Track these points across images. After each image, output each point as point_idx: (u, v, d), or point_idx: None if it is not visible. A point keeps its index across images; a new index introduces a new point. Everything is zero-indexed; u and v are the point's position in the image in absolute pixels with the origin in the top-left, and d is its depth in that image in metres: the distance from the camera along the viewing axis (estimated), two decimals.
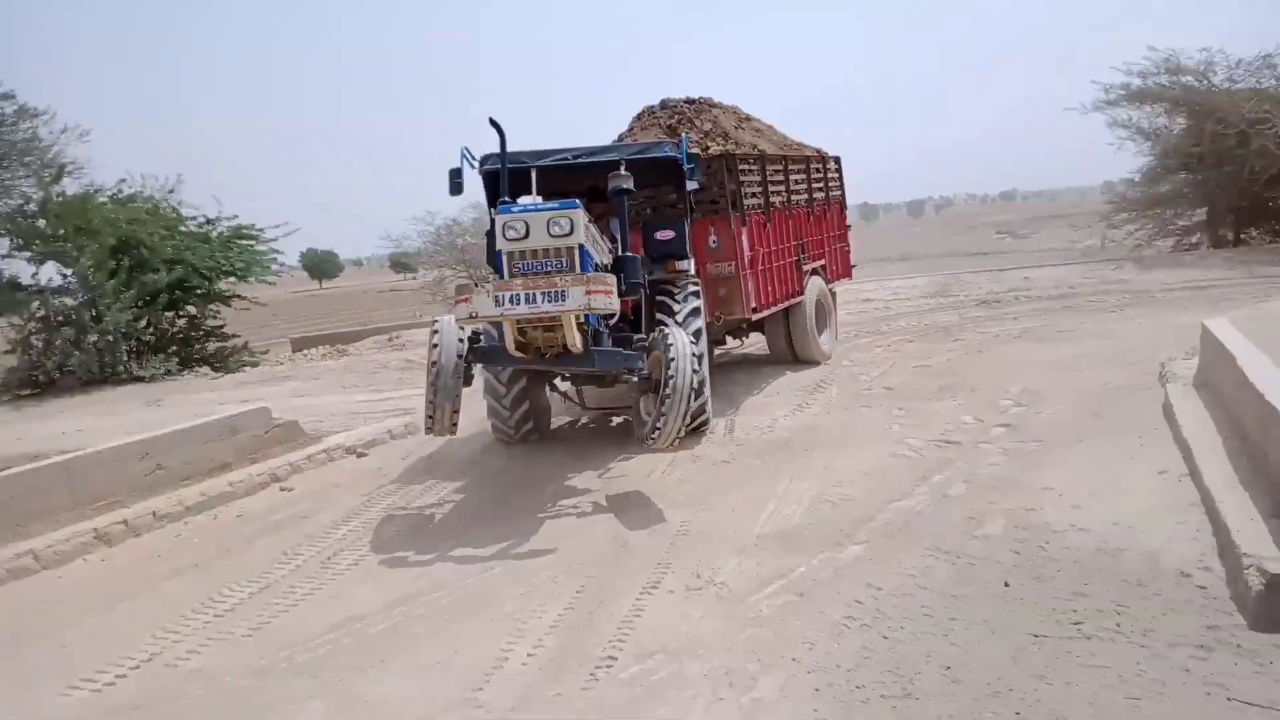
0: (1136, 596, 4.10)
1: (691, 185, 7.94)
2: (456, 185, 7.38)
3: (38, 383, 15.51)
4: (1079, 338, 11.44)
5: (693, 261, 8.42)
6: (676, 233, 8.13)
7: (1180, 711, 3.20)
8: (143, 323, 16.97)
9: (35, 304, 16.83)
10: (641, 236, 8.24)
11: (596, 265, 6.52)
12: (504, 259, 6.05)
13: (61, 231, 16.48)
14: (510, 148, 7.25)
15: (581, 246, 6.01)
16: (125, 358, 15.86)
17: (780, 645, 4.00)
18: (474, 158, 7.44)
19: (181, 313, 17.98)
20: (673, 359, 5.86)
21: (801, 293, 10.60)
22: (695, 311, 7.62)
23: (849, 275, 13.21)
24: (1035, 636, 3.84)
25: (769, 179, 9.95)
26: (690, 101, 10.77)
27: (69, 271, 16.97)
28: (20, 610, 5.43)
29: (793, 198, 10.64)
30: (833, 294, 12.08)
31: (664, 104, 10.76)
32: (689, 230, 8.30)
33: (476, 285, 5.80)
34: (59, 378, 15.40)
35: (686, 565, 5.09)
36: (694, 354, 6.02)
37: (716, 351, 11.88)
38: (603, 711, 3.64)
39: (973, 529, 5.18)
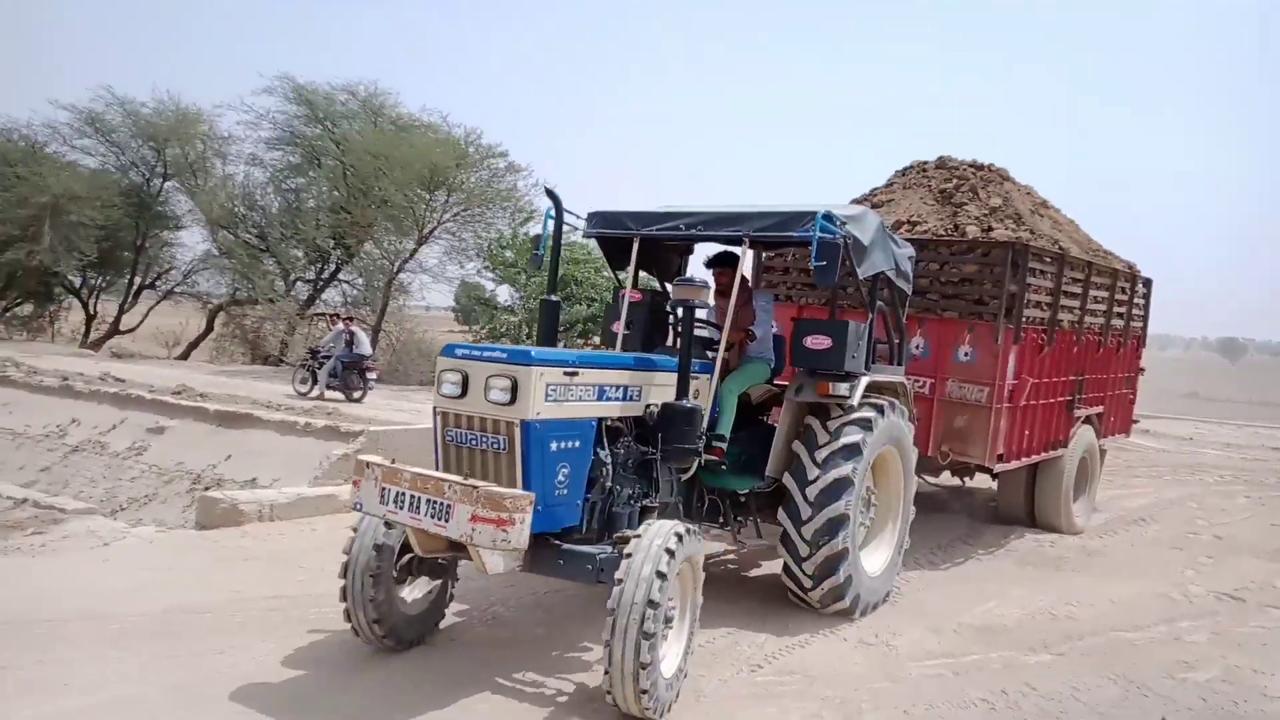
0: None
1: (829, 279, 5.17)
2: (538, 258, 5.79)
3: None
4: None
5: (902, 371, 6.53)
6: (836, 340, 5.70)
7: None
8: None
9: (488, 317, 21.05)
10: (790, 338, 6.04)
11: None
12: (436, 422, 4.45)
13: (518, 264, 20.35)
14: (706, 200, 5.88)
15: (535, 425, 4.20)
16: None
17: (903, 699, 4.41)
18: (575, 217, 5.95)
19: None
20: (621, 573, 3.98)
21: (1065, 444, 8.37)
22: (847, 453, 5.52)
23: (1127, 432, 10.36)
24: None
25: (1063, 288, 7.79)
26: (977, 167, 8.74)
27: (520, 294, 20.91)
28: None
29: (1086, 319, 8.40)
30: (1102, 452, 9.57)
31: (941, 162, 8.86)
32: (866, 334, 5.87)
33: (369, 466, 4.20)
34: None
35: (873, 626, 5.55)
36: (661, 552, 4.00)
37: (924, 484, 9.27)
38: (728, 692, 4.38)
39: (1177, 670, 5.00)
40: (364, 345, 16.04)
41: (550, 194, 5.61)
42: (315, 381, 15.65)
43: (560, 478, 4.34)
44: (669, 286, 6.32)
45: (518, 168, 21.33)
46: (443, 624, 5.07)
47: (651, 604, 3.85)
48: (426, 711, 4.09)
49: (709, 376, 5.39)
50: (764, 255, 8.55)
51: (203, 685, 4.17)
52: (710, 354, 5.45)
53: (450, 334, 24.31)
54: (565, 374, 4.35)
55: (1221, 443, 16.95)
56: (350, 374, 15.62)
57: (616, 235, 5.94)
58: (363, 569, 4.47)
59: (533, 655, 4.83)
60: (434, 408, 4.42)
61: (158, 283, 27.29)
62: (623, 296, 6.03)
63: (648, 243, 6.07)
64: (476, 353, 4.31)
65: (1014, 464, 7.61)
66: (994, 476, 8.52)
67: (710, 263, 6.13)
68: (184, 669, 4.34)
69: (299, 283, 24.90)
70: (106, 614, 4.99)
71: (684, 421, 4.88)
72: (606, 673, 3.90)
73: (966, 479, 9.13)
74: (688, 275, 5.55)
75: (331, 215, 22.14)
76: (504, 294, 22.09)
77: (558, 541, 4.46)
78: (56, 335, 27.11)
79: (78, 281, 26.36)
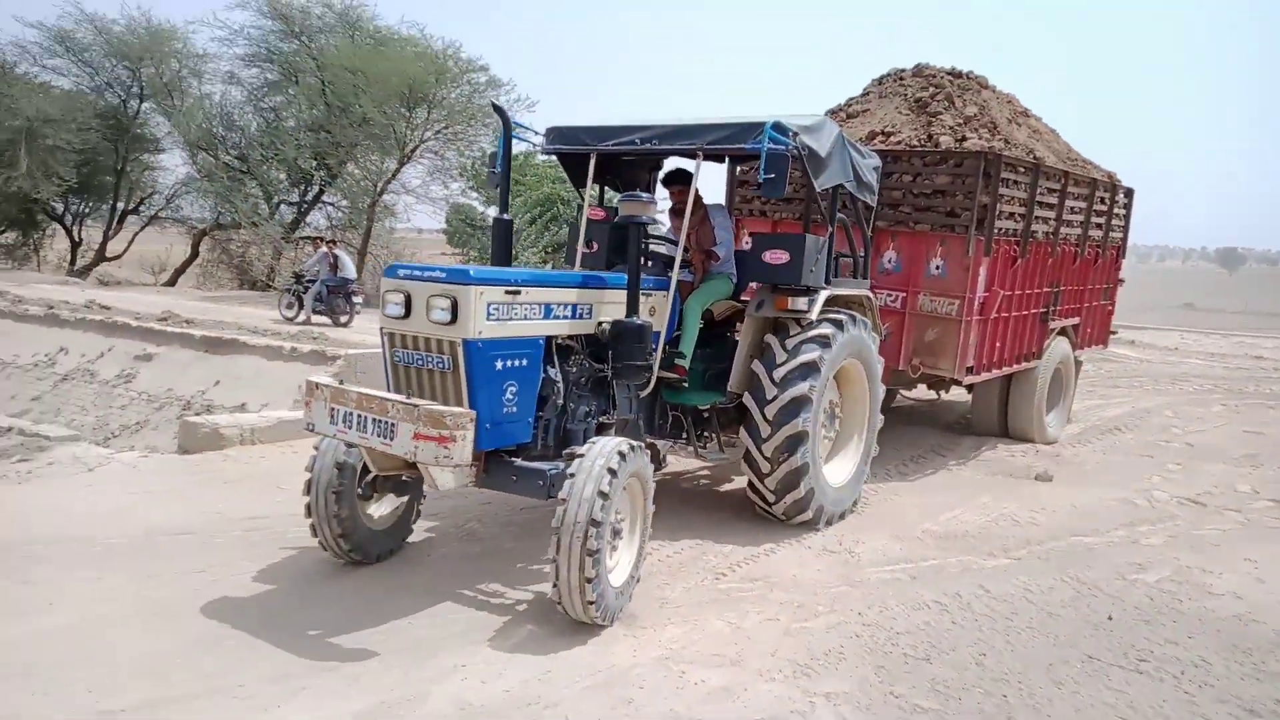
0: (1229, 660, 4.05)
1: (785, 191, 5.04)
2: (494, 175, 5.73)
3: None
4: None
5: (866, 284, 6.48)
6: (793, 254, 5.63)
7: None
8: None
9: (475, 239, 20.95)
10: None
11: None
12: (384, 343, 4.49)
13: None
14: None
15: (477, 344, 4.19)
16: None
17: (858, 602, 4.58)
18: (524, 130, 5.89)
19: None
20: (556, 525, 3.99)
21: (1038, 356, 8.37)
22: (804, 371, 5.50)
23: (1104, 343, 10.33)
24: (1088, 658, 4.02)
25: (1038, 198, 7.65)
26: (955, 74, 8.51)
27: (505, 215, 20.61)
28: None
29: (1061, 230, 8.27)
30: (1078, 364, 9.58)
31: (919, 70, 8.64)
32: (826, 247, 5.82)
33: (318, 387, 4.26)
34: None
35: (838, 534, 5.70)
36: (604, 471, 4.05)
37: (899, 398, 9.99)
38: (691, 599, 4.53)
39: (1129, 571, 5.17)
40: (348, 269, 15.99)
41: (497, 109, 5.58)
42: (301, 306, 15.66)
43: (508, 395, 4.39)
44: None
45: (499, 82, 20.91)
46: (417, 539, 5.21)
47: (594, 523, 3.93)
48: (393, 619, 4.24)
49: (664, 293, 5.37)
50: (738, 170, 8.53)
51: (182, 603, 4.31)
52: (672, 272, 5.41)
53: (441, 257, 24.22)
54: (507, 293, 4.36)
55: (1206, 353, 17.12)
56: (335, 298, 15.61)
57: (574, 151, 5.86)
58: (325, 486, 4.58)
59: (500, 568, 4.98)
60: (381, 329, 4.46)
61: (141, 208, 27.00)
62: (587, 215, 6.00)
63: (611, 159, 6.02)
64: (418, 273, 4.31)
65: (984, 376, 7.67)
66: (969, 389, 8.58)
67: (665, 180, 6.10)
68: (166, 588, 4.48)
69: (283, 205, 24.64)
70: (89, 536, 5.12)
71: (634, 339, 4.88)
72: (555, 586, 4.01)
73: (942, 392, 9.19)
74: (635, 191, 5.34)
75: (312, 135, 21.76)
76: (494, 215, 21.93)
77: (512, 458, 4.52)
78: (43, 263, 26.94)
79: (60, 208, 26.05)
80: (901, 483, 7.09)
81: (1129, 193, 9.88)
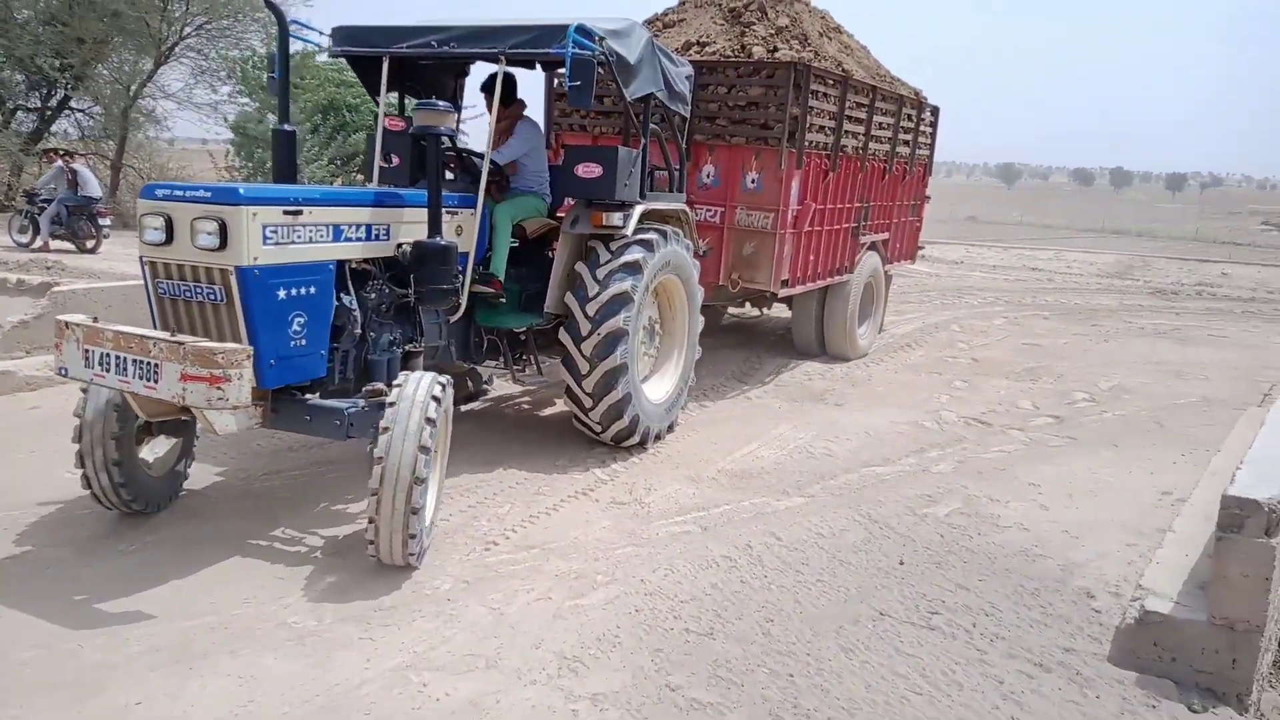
0: (1018, 604, 3.90)
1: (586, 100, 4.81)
2: (273, 81, 4.98)
3: None
4: (1224, 345, 10.35)
5: (682, 198, 6.27)
6: (606, 168, 5.37)
7: (946, 716, 3.09)
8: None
9: (248, 151, 18.82)
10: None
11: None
12: (145, 273, 3.98)
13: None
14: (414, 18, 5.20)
15: (253, 272, 3.76)
16: None
17: (642, 566, 4.13)
18: (303, 29, 5.41)
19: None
20: (388, 421, 3.73)
21: (850, 270, 8.42)
22: (627, 269, 5.30)
23: (912, 258, 10.51)
24: (879, 614, 3.76)
25: (846, 112, 7.57)
26: None
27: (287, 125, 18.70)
28: None
29: (870, 145, 8.25)
30: (888, 278, 9.79)
31: None
32: (639, 160, 5.55)
33: (68, 326, 3.78)
34: None
35: (629, 482, 5.25)
36: (427, 398, 3.81)
37: (727, 316, 10.17)
38: (454, 578, 3.93)
39: (919, 506, 5.01)
40: (90, 186, 13.87)
41: (270, 4, 4.89)
42: (37, 230, 13.51)
43: (295, 328, 4.01)
44: None
45: None
46: (191, 484, 4.78)
47: (423, 449, 3.70)
48: (173, 579, 3.83)
49: (471, 211, 5.05)
50: (555, 82, 7.87)
51: None
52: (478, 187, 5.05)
53: (219, 172, 21.75)
54: (286, 213, 3.92)
55: (988, 265, 18.01)
56: (78, 220, 13.53)
57: (364, 54, 5.38)
58: (102, 433, 4.10)
59: (286, 512, 4.60)
60: (140, 257, 3.98)
61: None
62: (385, 126, 5.54)
63: (410, 64, 5.61)
64: (179, 193, 3.85)
65: (798, 289, 7.68)
66: (789, 305, 8.62)
67: (482, 88, 5.53)
68: None
69: (19, 112, 21.29)
70: None
71: (437, 260, 4.55)
72: (371, 521, 3.72)
73: (765, 309, 9.15)
74: (431, 99, 4.90)
75: (52, 30, 18.69)
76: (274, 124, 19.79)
77: (306, 396, 4.17)
78: None
79: None
80: (700, 414, 6.74)
81: (935, 110, 9.97)
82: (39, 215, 13.50)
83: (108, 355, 3.67)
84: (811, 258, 7.67)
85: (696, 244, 6.50)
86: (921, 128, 9.51)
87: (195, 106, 20.04)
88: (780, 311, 9.67)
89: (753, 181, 7.12)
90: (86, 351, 3.73)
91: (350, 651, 3.34)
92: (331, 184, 16.94)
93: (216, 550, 4.14)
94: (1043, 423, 6.84)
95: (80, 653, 3.28)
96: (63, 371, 3.86)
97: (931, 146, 10.08)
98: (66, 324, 3.81)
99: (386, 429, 3.70)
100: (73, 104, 21.46)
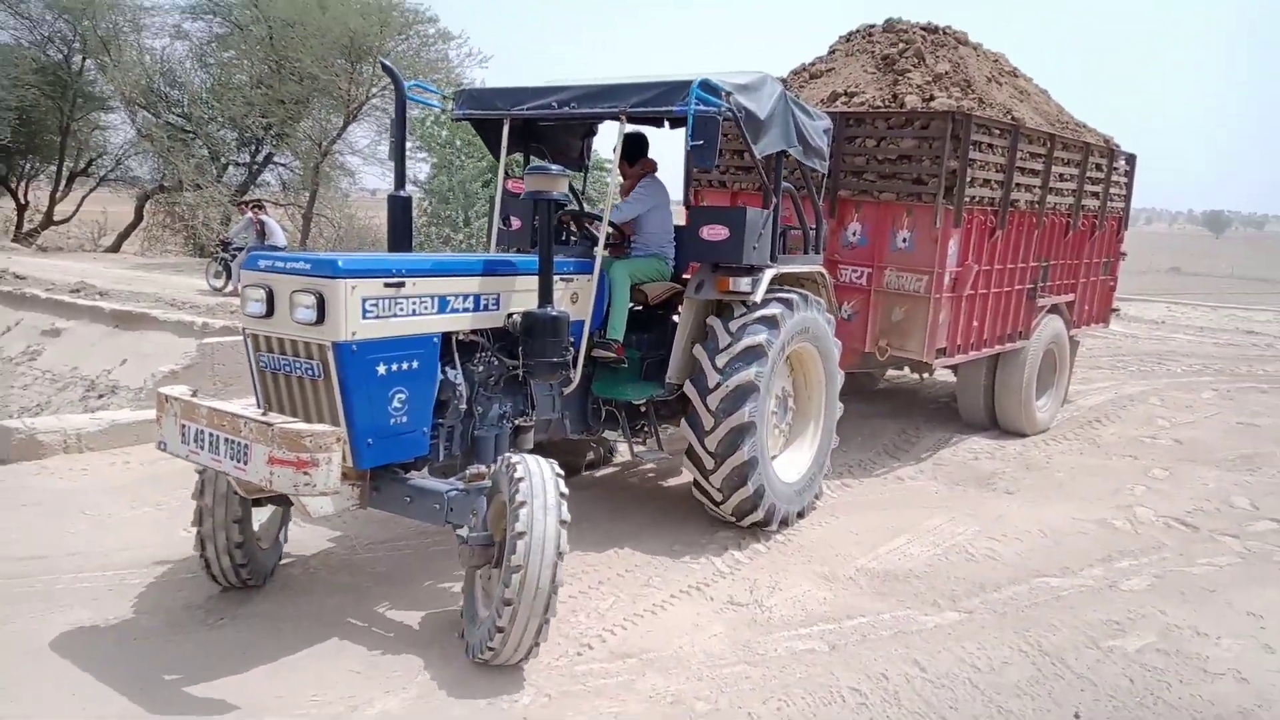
0: None
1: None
2: (394, 146, 4.83)
3: None
4: None
5: (819, 260, 5.79)
6: (734, 230, 5.05)
7: None
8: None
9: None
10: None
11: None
12: (248, 345, 3.92)
13: (449, 140, 18.88)
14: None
15: (350, 348, 3.61)
16: None
17: (753, 694, 3.53)
18: (430, 91, 5.37)
19: None
20: (520, 532, 3.37)
21: (1026, 335, 7.57)
22: (749, 356, 4.86)
23: (1105, 320, 9.34)
24: None
25: (1018, 164, 6.83)
26: (929, 30, 7.59)
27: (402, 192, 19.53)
28: None
29: (1049, 198, 7.42)
30: (1074, 343, 8.69)
31: (889, 25, 7.73)
32: (769, 221, 5.19)
33: (168, 400, 3.70)
34: None
35: (751, 577, 4.65)
36: (558, 498, 3.49)
37: (883, 381, 9.40)
38: (536, 689, 3.49)
39: (1106, 636, 4.13)
40: (276, 236, 14.79)
41: (388, 70, 4.83)
42: (229, 275, 14.52)
43: (395, 404, 3.83)
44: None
45: (449, 35, 19.58)
46: (299, 547, 4.70)
47: (560, 555, 3.43)
48: (253, 661, 3.67)
49: (588, 277, 4.78)
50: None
51: None
52: (596, 251, 4.79)
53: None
54: (388, 285, 3.76)
55: (1195, 326, 16.08)
56: None
57: (486, 116, 5.22)
58: (223, 519, 4.01)
59: (384, 590, 4.38)
60: (242, 329, 3.89)
61: (90, 169, 25.55)
62: (508, 188, 5.43)
63: (534, 126, 5.46)
64: (280, 264, 3.72)
65: (958, 359, 6.96)
66: (954, 371, 7.83)
67: (615, 148, 5.28)
68: None
69: (231, 167, 23.31)
70: None
71: (547, 331, 4.21)
72: (500, 630, 3.40)
73: (926, 374, 8.33)
74: (543, 163, 4.71)
75: (259, 92, 20.36)
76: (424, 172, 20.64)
77: (407, 475, 3.96)
78: None
79: (4, 169, 24.58)
80: (841, 495, 6.05)
81: (1130, 159, 8.93)
82: (230, 262, 14.51)
83: (202, 432, 3.55)
84: (974, 323, 6.92)
85: (836, 308, 6.01)
86: (1114, 178, 8.52)
87: (379, 161, 21.20)
88: (945, 376, 8.78)
89: (904, 240, 6.50)
90: (183, 427, 3.62)
91: None
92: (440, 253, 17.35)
93: (303, 630, 3.92)
94: (1265, 529, 5.69)
95: None
96: (162, 446, 3.74)
97: (1127, 198, 9.00)
98: (166, 397, 3.72)
99: (522, 534, 3.37)
100: (275, 159, 23.31)
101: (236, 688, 3.44)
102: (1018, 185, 6.95)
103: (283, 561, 4.53)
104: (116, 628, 3.87)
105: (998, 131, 6.61)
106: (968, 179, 6.29)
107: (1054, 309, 8.03)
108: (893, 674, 3.73)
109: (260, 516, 4.34)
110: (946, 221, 6.30)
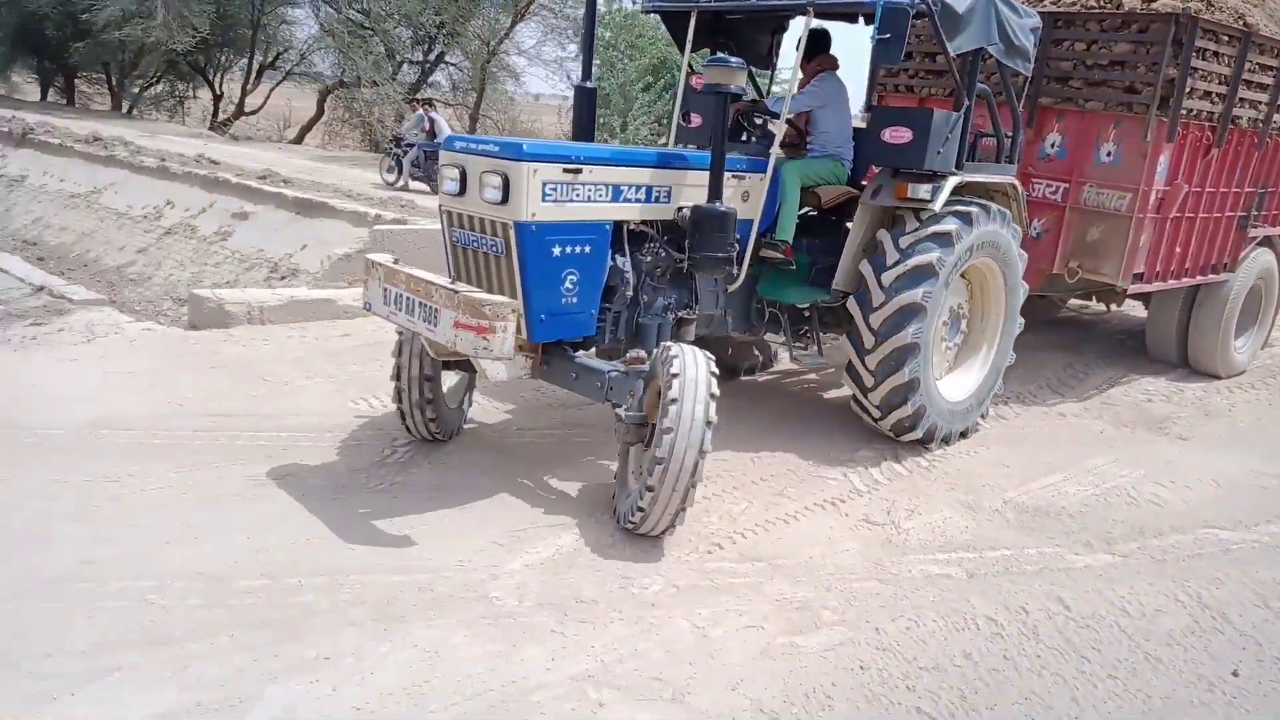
0: None
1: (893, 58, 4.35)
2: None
3: None
4: None
5: (1013, 171, 5.44)
6: (918, 132, 4.76)
7: None
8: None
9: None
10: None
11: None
12: (443, 221, 4.26)
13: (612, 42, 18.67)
14: None
15: (530, 227, 3.84)
16: None
17: (882, 610, 3.49)
18: None
19: None
20: (669, 428, 3.53)
21: (1231, 268, 7.01)
22: (917, 275, 4.69)
23: None
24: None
25: (1245, 76, 6.19)
26: None
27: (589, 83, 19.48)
28: None
29: (1276, 117, 6.71)
30: None
31: None
32: (959, 125, 4.87)
33: (374, 265, 4.07)
34: None
35: (889, 498, 4.56)
36: (708, 398, 3.59)
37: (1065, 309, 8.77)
38: (665, 580, 3.58)
39: (1274, 596, 3.82)
40: (444, 134, 15.18)
41: None
42: (400, 171, 15.10)
43: (567, 285, 4.08)
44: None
45: None
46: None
47: (703, 452, 3.59)
48: (406, 526, 3.92)
49: (760, 176, 4.74)
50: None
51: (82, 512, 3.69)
52: (772, 150, 4.76)
53: (560, 127, 23.09)
54: (566, 170, 3.95)
55: None
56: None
57: (673, 9, 5.24)
58: (417, 374, 4.41)
59: (537, 467, 4.63)
60: (439, 206, 4.24)
61: (278, 62, 26.91)
62: (690, 83, 5.43)
63: (723, 20, 5.41)
64: (474, 145, 4.05)
65: (1155, 286, 6.49)
66: (1145, 304, 7.38)
67: (797, 44, 5.07)
68: (77, 494, 3.89)
69: (405, 65, 23.97)
70: (29, 424, 4.59)
71: (714, 226, 4.30)
72: (640, 510, 3.68)
73: (1114, 305, 7.89)
74: (723, 56, 4.48)
75: None
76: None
77: (577, 353, 4.26)
78: (186, 117, 27.49)
79: (202, 60, 26.22)
80: (995, 427, 5.79)
81: None
82: (403, 158, 15.05)
83: (401, 295, 3.90)
84: (1177, 249, 6.41)
85: (1026, 224, 5.67)
86: None
87: (544, 63, 21.27)
88: (1132, 309, 8.19)
89: (1108, 154, 6.03)
90: (385, 290, 3.99)
91: (538, 646, 3.10)
92: (655, 144, 17.22)
93: (456, 499, 4.17)
94: None
95: (297, 591, 3.34)
96: (367, 306, 4.15)
97: None
98: (372, 263, 4.10)
99: (670, 429, 3.53)
100: (446, 59, 23.78)
101: (377, 548, 3.68)
102: (1242, 100, 6.34)
103: (466, 425, 4.92)
104: (286, 484, 4.19)
105: (1226, 38, 5.99)
106: (1186, 89, 5.76)
107: (1266, 241, 7.39)
108: (1033, 608, 3.59)
109: (450, 381, 4.71)
110: (1159, 135, 5.79)
